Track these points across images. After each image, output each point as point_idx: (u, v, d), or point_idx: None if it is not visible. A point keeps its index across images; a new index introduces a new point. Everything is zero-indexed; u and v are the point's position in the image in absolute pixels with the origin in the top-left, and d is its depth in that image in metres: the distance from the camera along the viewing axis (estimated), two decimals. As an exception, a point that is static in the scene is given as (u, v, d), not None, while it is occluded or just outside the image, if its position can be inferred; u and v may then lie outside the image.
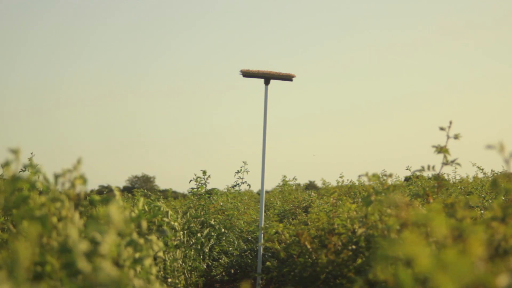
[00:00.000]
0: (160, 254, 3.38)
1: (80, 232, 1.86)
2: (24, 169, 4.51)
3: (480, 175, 11.49)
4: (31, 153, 5.81)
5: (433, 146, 3.44)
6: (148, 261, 1.94)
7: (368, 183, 3.48)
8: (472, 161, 10.51)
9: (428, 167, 3.46)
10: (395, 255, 1.20)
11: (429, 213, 1.44)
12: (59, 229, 1.86)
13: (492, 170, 10.21)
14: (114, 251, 1.90)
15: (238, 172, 7.68)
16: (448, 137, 3.45)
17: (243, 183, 7.71)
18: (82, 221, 2.12)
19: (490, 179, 10.02)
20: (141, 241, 1.97)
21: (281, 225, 4.22)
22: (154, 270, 1.96)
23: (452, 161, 3.44)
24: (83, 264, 1.60)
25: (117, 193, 2.49)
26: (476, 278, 1.18)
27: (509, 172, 2.45)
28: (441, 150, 3.43)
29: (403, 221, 2.70)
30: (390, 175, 3.61)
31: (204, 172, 7.18)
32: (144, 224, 2.23)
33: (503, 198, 2.54)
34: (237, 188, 7.77)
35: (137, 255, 1.94)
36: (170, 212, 4.08)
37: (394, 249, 1.22)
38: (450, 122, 3.45)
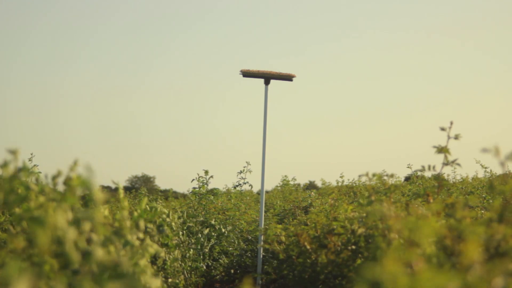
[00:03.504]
0: (162, 254, 3.37)
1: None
2: (20, 170, 4.52)
3: (481, 175, 11.46)
4: (31, 154, 5.80)
5: (434, 147, 3.43)
6: (143, 262, 1.94)
7: (369, 182, 3.48)
8: (473, 161, 10.47)
9: (429, 167, 3.46)
10: (375, 276, 1.20)
11: (417, 221, 1.44)
12: (53, 227, 1.85)
13: (490, 171, 10.17)
14: (112, 251, 1.89)
15: (240, 172, 7.67)
16: (448, 137, 3.44)
17: (245, 183, 7.70)
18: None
19: (490, 179, 10.00)
20: (137, 242, 1.96)
21: (279, 226, 4.21)
22: (149, 271, 1.96)
23: (453, 161, 3.43)
24: (73, 253, 1.59)
25: (121, 191, 2.47)
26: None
27: (506, 174, 2.45)
28: (442, 150, 3.43)
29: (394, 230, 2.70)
30: (392, 175, 3.61)
31: (206, 172, 7.17)
32: (142, 224, 2.22)
33: (501, 199, 2.54)
34: (238, 188, 7.76)
35: (133, 256, 1.94)
36: (165, 212, 4.07)
37: (374, 271, 1.22)
38: (451, 123, 3.44)
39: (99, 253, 1.64)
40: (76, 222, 1.71)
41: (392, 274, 1.17)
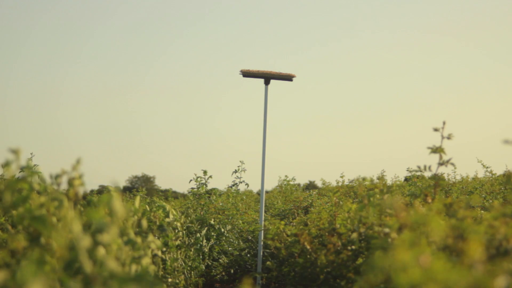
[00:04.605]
0: (159, 253, 3.37)
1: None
2: (22, 170, 4.53)
3: (481, 175, 11.48)
4: (31, 154, 5.82)
5: (429, 147, 3.46)
6: (145, 260, 1.94)
7: (362, 185, 3.51)
8: (473, 161, 10.48)
9: (425, 167, 3.47)
10: (385, 265, 1.20)
11: (427, 214, 1.44)
12: (58, 229, 1.86)
13: (490, 171, 10.16)
14: (117, 244, 1.90)
15: (235, 171, 7.68)
16: (442, 137, 3.47)
17: (241, 182, 7.72)
18: (81, 221, 2.11)
19: (490, 179, 9.99)
20: (139, 240, 1.96)
21: (282, 222, 4.22)
22: (151, 269, 1.97)
23: (447, 161, 3.45)
24: (85, 261, 1.60)
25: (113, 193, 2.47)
26: (469, 285, 1.18)
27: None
28: (437, 150, 3.45)
29: (402, 223, 2.71)
30: (382, 178, 3.63)
31: (205, 172, 7.19)
32: (144, 223, 2.22)
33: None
34: (235, 187, 7.78)
35: (136, 254, 1.94)
36: (173, 212, 4.08)
37: (384, 260, 1.22)
38: (444, 123, 3.47)
39: (112, 264, 1.64)
40: (93, 233, 1.71)
41: (404, 264, 1.17)
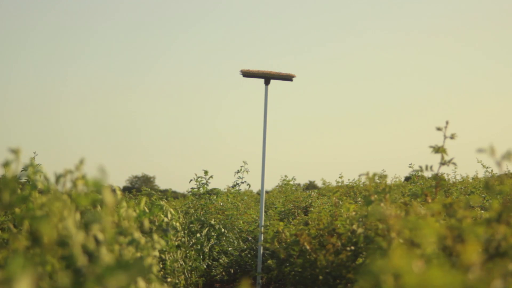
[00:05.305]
0: (156, 253, 3.38)
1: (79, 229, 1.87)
2: (25, 169, 4.53)
3: (481, 175, 11.46)
4: (34, 152, 5.82)
5: (431, 147, 3.46)
6: (149, 261, 1.95)
7: (368, 183, 3.49)
8: (473, 161, 10.47)
9: (426, 167, 3.48)
10: (381, 269, 1.20)
11: (418, 221, 1.45)
12: (60, 229, 1.87)
13: (491, 171, 10.16)
14: (116, 249, 1.91)
15: (238, 171, 7.68)
16: (445, 137, 3.47)
17: (242, 183, 7.72)
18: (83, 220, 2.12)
19: (485, 179, 10.00)
20: (143, 240, 1.97)
21: (281, 223, 4.22)
22: (155, 269, 1.98)
23: (449, 161, 3.45)
24: (80, 256, 1.60)
25: (118, 192, 2.48)
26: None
27: (503, 174, 2.46)
28: (439, 150, 3.45)
29: (395, 230, 2.71)
30: (385, 177, 3.63)
31: (206, 172, 7.19)
32: (146, 223, 2.23)
33: (500, 200, 2.55)
34: (236, 188, 7.78)
35: (138, 254, 1.95)
36: (172, 212, 4.09)
37: (380, 263, 1.22)
38: (447, 122, 3.47)
39: (107, 257, 1.65)
40: (85, 225, 1.72)
41: (400, 268, 1.18)
